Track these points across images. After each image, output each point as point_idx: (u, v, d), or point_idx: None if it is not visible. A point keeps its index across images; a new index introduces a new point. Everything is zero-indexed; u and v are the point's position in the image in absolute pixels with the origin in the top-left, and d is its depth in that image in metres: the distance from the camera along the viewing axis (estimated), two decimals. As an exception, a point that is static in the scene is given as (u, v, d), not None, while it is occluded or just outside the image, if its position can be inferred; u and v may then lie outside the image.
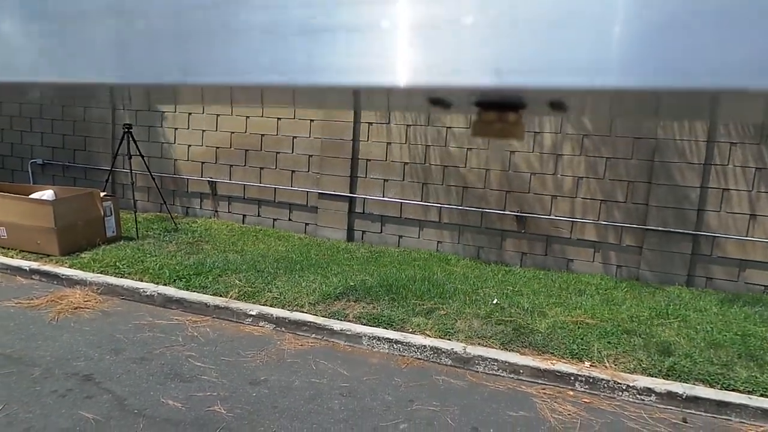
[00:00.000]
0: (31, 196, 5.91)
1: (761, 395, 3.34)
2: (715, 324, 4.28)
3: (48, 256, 5.49)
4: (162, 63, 0.39)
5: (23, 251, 5.59)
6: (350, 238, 6.97)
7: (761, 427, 3.20)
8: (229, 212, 7.64)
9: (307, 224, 7.22)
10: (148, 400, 3.14)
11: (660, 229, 5.66)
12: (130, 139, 6.50)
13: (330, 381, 3.52)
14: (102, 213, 6.00)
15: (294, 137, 7.13)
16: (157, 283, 4.91)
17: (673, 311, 4.53)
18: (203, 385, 3.37)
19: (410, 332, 4.10)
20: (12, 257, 5.48)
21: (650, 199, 5.70)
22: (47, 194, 6.01)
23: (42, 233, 5.50)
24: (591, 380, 3.51)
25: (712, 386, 3.43)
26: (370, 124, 6.73)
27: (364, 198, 6.86)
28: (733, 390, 3.39)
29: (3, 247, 5.67)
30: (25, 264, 5.30)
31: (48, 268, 5.21)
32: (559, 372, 3.59)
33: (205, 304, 4.56)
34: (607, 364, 3.64)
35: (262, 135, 7.30)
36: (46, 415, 2.93)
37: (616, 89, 0.29)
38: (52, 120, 8.55)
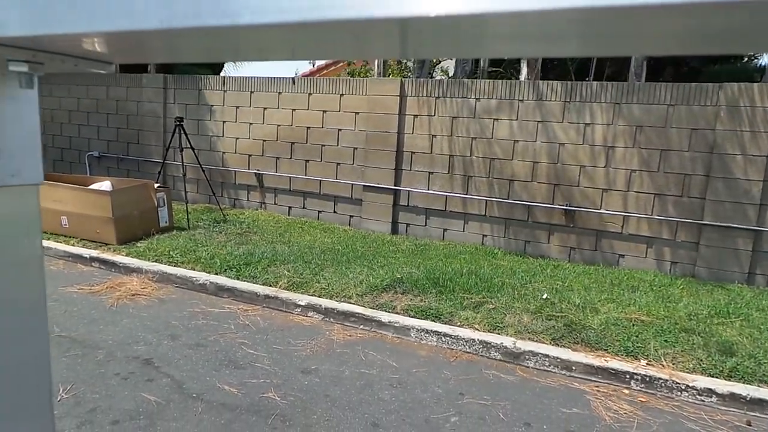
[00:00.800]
0: (90, 186, 6.15)
1: (832, 400, 3.17)
2: (779, 324, 4.09)
3: (106, 244, 5.71)
4: (141, 6, 0.35)
5: (83, 239, 5.84)
6: (394, 230, 6.98)
7: (832, 433, 3.05)
8: (275, 204, 7.76)
9: (351, 216, 7.27)
10: (205, 385, 3.24)
11: (718, 224, 5.44)
12: (182, 132, 6.68)
13: (380, 372, 3.54)
14: (155, 203, 6.19)
15: (339, 130, 7.18)
16: (209, 272, 5.04)
17: (734, 310, 4.35)
18: (256, 372, 3.45)
19: (458, 326, 4.08)
20: (73, 245, 5.73)
21: (708, 193, 5.48)
22: (105, 185, 6.25)
23: (101, 222, 5.73)
24: (647, 379, 3.42)
25: (778, 389, 3.28)
26: (415, 116, 6.70)
27: (409, 191, 6.84)
28: (801, 393, 3.23)
29: (65, 236, 5.93)
30: (86, 252, 5.53)
31: (106, 256, 5.42)
32: (614, 370, 3.50)
33: (256, 293, 4.66)
34: (665, 363, 3.53)
35: (308, 128, 7.38)
36: (111, 396, 3.05)
37: None
38: (107, 114, 8.88)
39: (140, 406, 2.97)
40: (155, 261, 5.32)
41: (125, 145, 8.79)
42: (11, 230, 0.41)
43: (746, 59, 11.88)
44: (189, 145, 6.84)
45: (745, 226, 5.34)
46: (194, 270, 5.11)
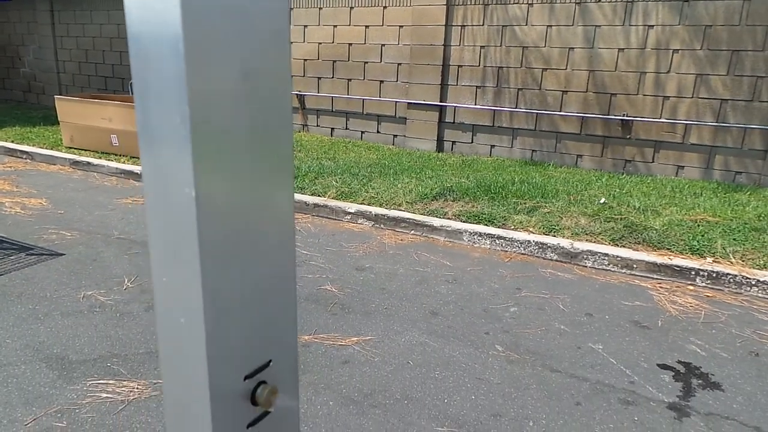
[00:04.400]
0: (137, 106, 6.18)
1: None
2: None
3: (156, 161, 5.79)
4: None
5: (133, 157, 5.93)
6: (440, 148, 6.83)
7: None
8: (317, 126, 7.68)
9: (395, 136, 7.14)
10: (263, 279, 3.28)
11: (791, 130, 5.07)
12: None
13: (434, 270, 3.52)
14: (201, 122, 6.20)
15: (382, 45, 6.93)
16: (258, 185, 5.05)
17: (807, 213, 4.10)
18: (312, 268, 3.48)
19: (512, 229, 3.99)
20: (124, 163, 5.83)
21: (782, 97, 5.08)
22: (151, 104, 6.27)
23: (149, 140, 5.78)
24: (714, 275, 3.28)
25: None
26: (463, 26, 6.39)
27: (455, 106, 6.63)
28: None
29: (116, 154, 6.04)
30: (137, 168, 5.62)
31: (157, 171, 5.50)
32: (678, 267, 3.37)
33: (305, 202, 4.66)
34: (733, 260, 3.37)
35: (350, 44, 7.15)
36: (174, 286, 3.14)
37: None
38: (147, 40, 8.82)
39: (203, 294, 3.04)
40: (205, 175, 5.36)
41: (167, 71, 8.76)
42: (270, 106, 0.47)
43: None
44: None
45: (821, 131, 4.97)
46: (243, 183, 5.13)
